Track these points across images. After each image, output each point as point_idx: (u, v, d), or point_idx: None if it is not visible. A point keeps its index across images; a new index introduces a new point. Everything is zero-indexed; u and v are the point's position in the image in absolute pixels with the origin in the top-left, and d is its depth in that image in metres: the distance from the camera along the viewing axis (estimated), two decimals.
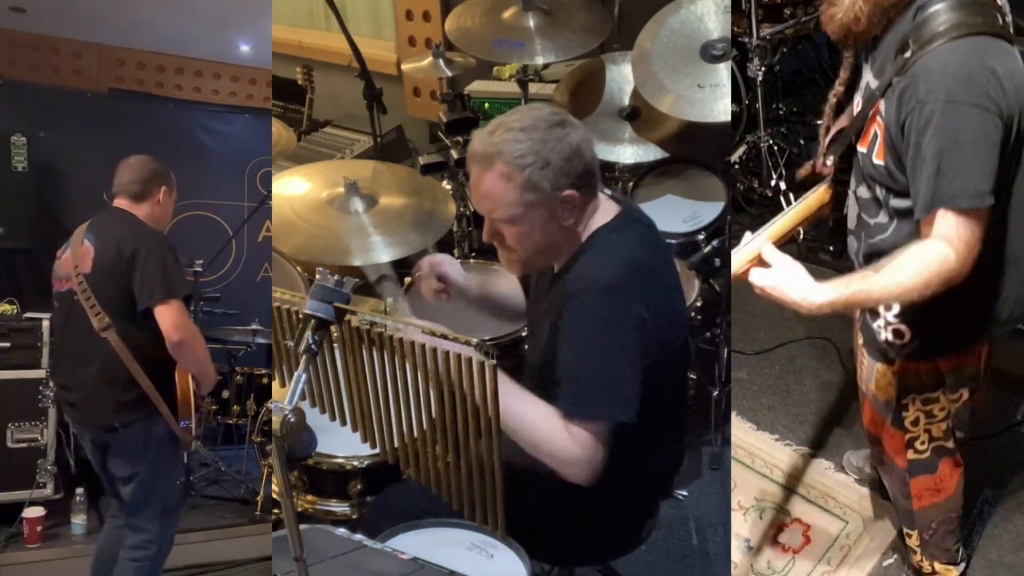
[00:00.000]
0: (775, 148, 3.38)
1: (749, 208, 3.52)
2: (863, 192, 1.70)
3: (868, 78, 1.67)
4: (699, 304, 2.59)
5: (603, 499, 1.66)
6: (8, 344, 3.29)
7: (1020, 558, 2.24)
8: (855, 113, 1.71)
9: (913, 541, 2.08)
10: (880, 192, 1.64)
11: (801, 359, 3.02)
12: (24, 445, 3.23)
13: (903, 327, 1.69)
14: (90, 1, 3.97)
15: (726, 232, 2.81)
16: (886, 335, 1.72)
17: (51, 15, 4.16)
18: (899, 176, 1.56)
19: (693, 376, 2.74)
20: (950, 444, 1.87)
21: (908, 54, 1.47)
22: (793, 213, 1.68)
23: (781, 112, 3.66)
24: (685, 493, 2.44)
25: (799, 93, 3.83)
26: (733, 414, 2.80)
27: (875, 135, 1.59)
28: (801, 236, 3.10)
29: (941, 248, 1.43)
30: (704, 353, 2.80)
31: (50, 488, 3.26)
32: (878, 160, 1.59)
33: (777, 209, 3.28)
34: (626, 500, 1.73)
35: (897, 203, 1.60)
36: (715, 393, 2.78)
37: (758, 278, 1.50)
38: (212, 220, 4.92)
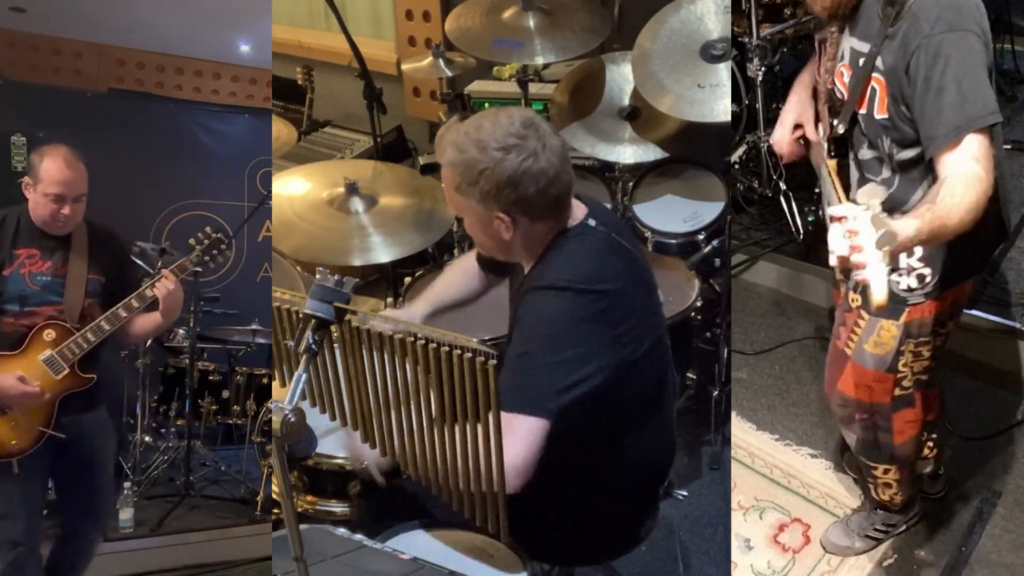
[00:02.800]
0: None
1: (749, 208, 3.51)
2: (865, 154, 1.78)
3: (851, 44, 1.75)
4: (699, 304, 2.58)
5: (602, 499, 1.66)
6: None
7: (1020, 558, 2.24)
8: (846, 82, 1.78)
9: (892, 475, 2.15)
10: (885, 146, 1.71)
11: (801, 359, 3.02)
12: None
13: (926, 270, 1.77)
14: (90, 1, 3.97)
15: (726, 232, 2.80)
16: (908, 282, 1.79)
17: (51, 15, 4.17)
18: (902, 126, 1.63)
19: (693, 376, 2.74)
20: (926, 377, 1.98)
21: (898, 1, 1.57)
22: (838, 184, 1.72)
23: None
24: (685, 493, 2.43)
25: None
26: (733, 414, 2.80)
27: (872, 91, 1.67)
28: (802, 235, 3.15)
29: (974, 167, 1.49)
30: (704, 353, 2.79)
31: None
32: (880, 115, 1.67)
33: (777, 209, 3.33)
34: (625, 499, 1.73)
35: (901, 155, 1.68)
36: (715, 393, 2.78)
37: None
38: (212, 220, 4.92)
